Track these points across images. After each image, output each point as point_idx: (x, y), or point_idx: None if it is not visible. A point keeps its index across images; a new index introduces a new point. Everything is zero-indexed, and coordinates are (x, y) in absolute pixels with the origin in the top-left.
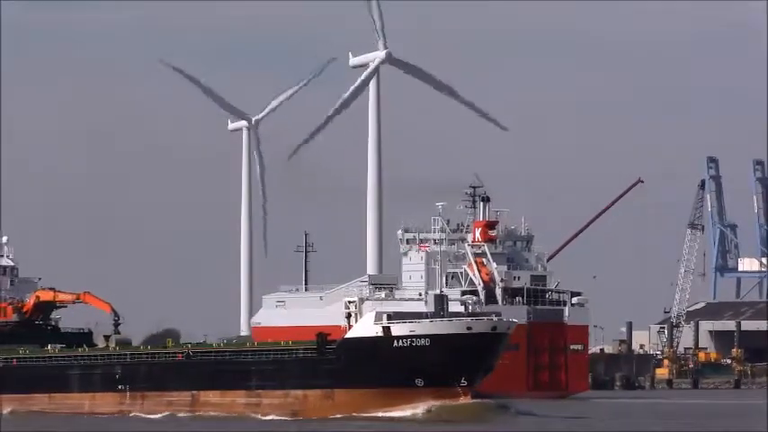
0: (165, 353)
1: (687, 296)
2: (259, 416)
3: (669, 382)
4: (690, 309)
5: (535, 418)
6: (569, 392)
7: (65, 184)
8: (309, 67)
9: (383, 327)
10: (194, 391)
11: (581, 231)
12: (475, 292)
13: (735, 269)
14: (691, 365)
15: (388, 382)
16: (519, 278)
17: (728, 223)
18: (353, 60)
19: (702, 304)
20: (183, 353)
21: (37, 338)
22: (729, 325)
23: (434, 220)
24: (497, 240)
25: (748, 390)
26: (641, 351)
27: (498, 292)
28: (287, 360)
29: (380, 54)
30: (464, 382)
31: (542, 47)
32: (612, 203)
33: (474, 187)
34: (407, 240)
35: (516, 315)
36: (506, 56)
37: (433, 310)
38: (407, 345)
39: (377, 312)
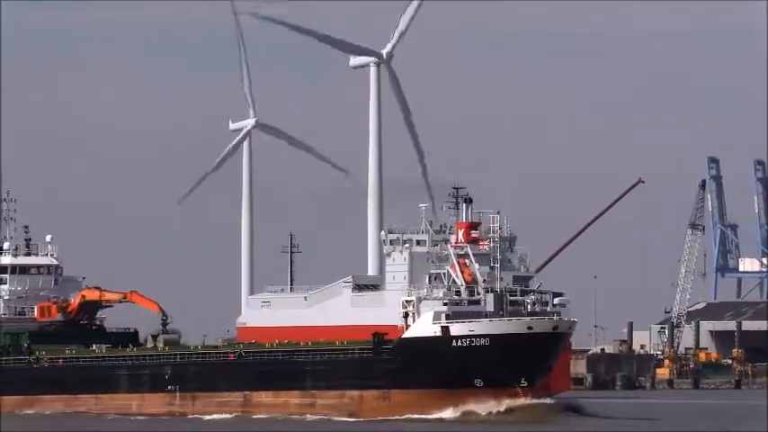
0: (217, 353)
1: (688, 296)
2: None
3: (670, 383)
4: (690, 309)
5: (599, 419)
6: (551, 392)
7: (71, 183)
8: (308, 66)
9: (442, 326)
10: (246, 392)
11: (582, 231)
12: (458, 293)
13: (735, 269)
14: (691, 365)
15: (446, 383)
16: (502, 279)
17: (729, 223)
18: (353, 61)
19: (703, 304)
20: (234, 353)
21: (82, 338)
22: (730, 325)
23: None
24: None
25: (749, 390)
26: (642, 351)
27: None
28: (342, 360)
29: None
30: (524, 383)
31: (542, 47)
32: (613, 203)
33: (457, 188)
34: (391, 241)
35: None
36: (506, 56)
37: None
38: (466, 344)
39: (435, 312)
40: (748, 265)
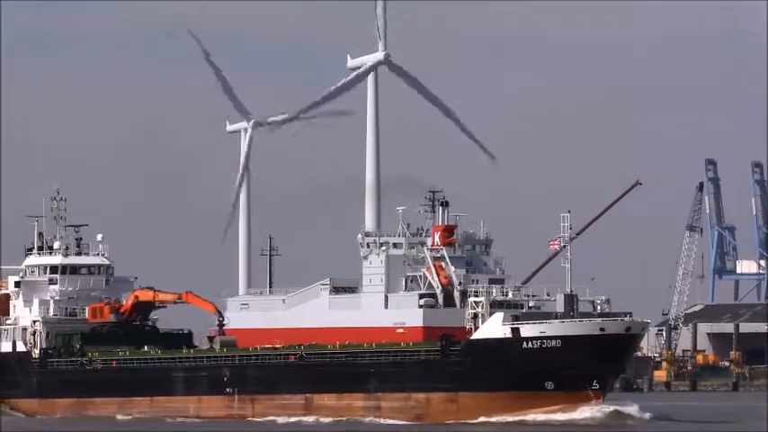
0: (277, 354)
1: (685, 298)
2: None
3: (667, 385)
4: (688, 311)
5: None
6: None
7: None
8: (308, 68)
9: (512, 328)
10: (308, 394)
11: (579, 233)
12: (433, 296)
13: (733, 271)
14: (689, 368)
15: (516, 386)
16: (477, 281)
17: (727, 225)
18: (351, 62)
19: (701, 306)
20: (295, 354)
21: (134, 339)
22: (727, 327)
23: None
24: (456, 244)
25: (747, 392)
26: (639, 353)
27: (456, 295)
28: (408, 362)
29: (379, 56)
30: (596, 385)
31: (542, 47)
32: (611, 205)
33: (433, 192)
34: (368, 244)
35: None
36: (506, 55)
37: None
38: (537, 346)
39: (505, 313)
40: (746, 267)
